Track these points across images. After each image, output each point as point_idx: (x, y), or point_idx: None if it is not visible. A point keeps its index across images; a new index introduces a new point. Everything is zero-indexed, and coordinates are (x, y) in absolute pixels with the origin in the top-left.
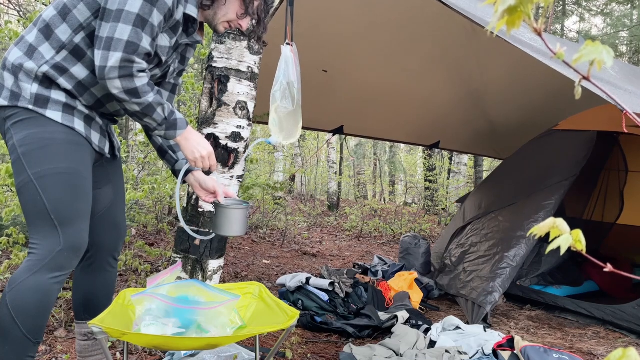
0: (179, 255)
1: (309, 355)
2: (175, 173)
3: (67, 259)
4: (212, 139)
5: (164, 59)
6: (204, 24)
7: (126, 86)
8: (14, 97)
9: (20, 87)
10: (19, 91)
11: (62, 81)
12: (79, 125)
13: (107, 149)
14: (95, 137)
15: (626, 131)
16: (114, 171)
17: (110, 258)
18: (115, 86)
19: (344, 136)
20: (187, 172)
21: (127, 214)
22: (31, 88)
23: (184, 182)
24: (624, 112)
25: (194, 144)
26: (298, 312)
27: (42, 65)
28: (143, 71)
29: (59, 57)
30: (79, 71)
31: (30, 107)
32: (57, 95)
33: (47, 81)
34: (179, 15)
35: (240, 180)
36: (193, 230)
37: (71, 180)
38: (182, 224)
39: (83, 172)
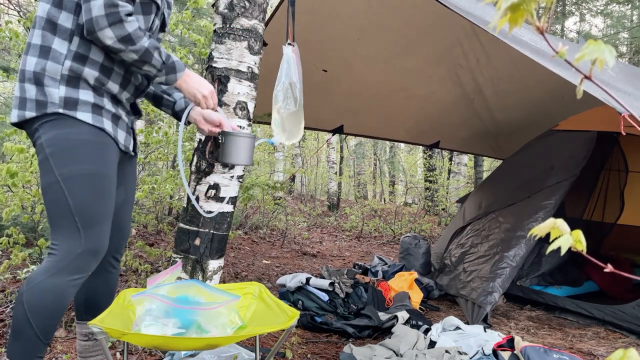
0: (179, 256)
1: (309, 356)
2: (177, 116)
3: (86, 261)
4: (213, 138)
5: (159, 2)
6: None
7: (119, 34)
8: (41, 106)
9: (46, 93)
10: (45, 98)
11: (88, 71)
12: (107, 125)
13: (131, 147)
14: (121, 136)
15: (624, 134)
16: (129, 171)
17: (113, 259)
18: (108, 36)
19: (344, 136)
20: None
21: None
22: (59, 92)
23: (188, 122)
24: (622, 114)
25: (195, 85)
26: (298, 313)
27: (64, 62)
28: (130, 14)
29: (73, 46)
30: (97, 53)
31: (61, 110)
32: (85, 96)
33: (73, 80)
34: None
35: (241, 180)
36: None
37: (97, 182)
38: (190, 196)
39: (109, 173)
